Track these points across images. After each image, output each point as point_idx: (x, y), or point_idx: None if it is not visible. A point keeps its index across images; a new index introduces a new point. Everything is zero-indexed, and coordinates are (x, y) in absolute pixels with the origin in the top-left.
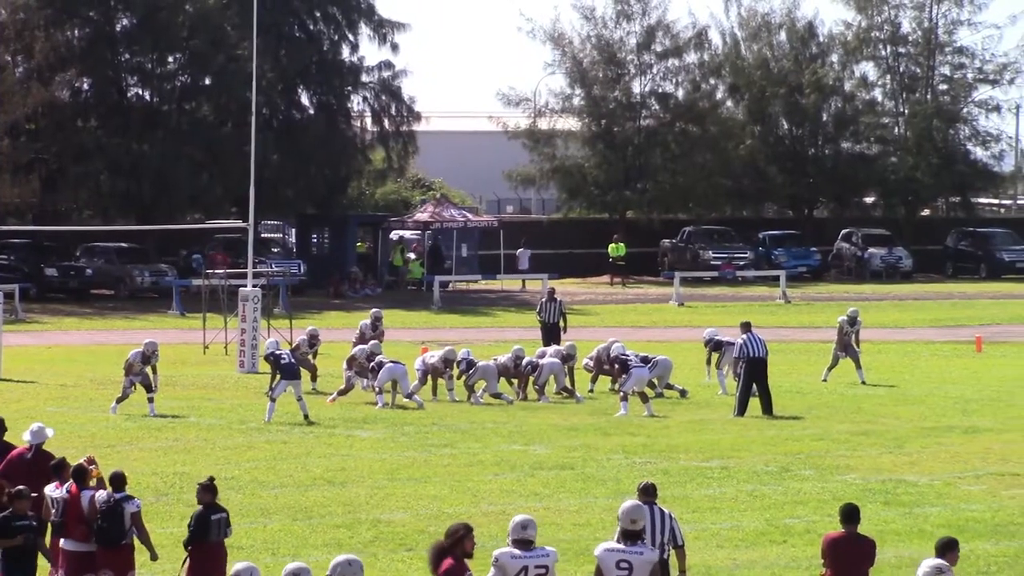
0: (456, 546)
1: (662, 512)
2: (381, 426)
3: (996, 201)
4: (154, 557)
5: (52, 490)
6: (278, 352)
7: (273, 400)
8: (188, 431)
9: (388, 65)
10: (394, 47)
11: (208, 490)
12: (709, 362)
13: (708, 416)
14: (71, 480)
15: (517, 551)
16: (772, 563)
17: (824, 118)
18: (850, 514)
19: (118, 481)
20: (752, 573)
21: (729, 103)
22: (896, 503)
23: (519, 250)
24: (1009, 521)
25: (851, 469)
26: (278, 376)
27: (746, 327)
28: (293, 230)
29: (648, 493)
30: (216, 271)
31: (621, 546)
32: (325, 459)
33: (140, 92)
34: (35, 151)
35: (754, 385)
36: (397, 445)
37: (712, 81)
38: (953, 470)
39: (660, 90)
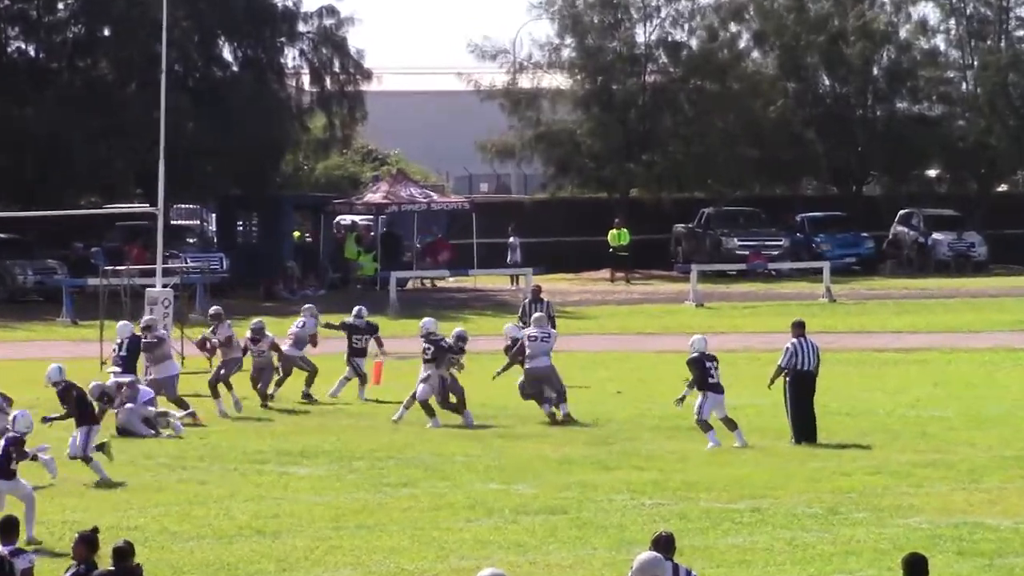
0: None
1: (680, 570)
2: (324, 460)
3: None
4: None
5: None
6: None
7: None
8: (81, 468)
9: (331, 11)
10: None
11: (87, 543)
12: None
13: (734, 444)
14: None
15: None
16: None
17: (874, 72)
18: (916, 567)
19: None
20: None
21: (756, 54)
22: (973, 552)
23: (511, 239)
24: None
25: (916, 510)
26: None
27: (799, 328)
28: (213, 216)
29: (664, 546)
30: (117, 268)
31: None
32: (253, 503)
33: (23, 46)
34: None
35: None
36: (344, 485)
37: (734, 27)
38: None
39: (670, 39)
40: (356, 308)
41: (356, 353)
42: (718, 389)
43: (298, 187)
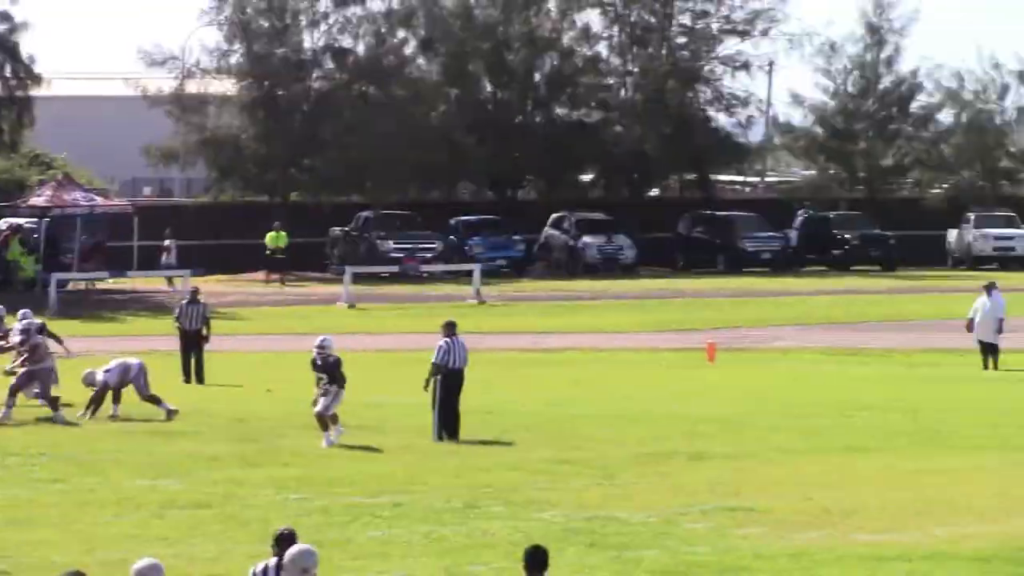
0: None
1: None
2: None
3: (740, 178)
4: None
5: None
6: None
7: None
8: None
9: (4, 17)
10: None
11: None
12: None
13: (379, 442)
14: None
15: None
16: None
17: (536, 79)
18: (536, 558)
19: None
20: None
21: (421, 60)
22: (604, 545)
23: (166, 241)
24: (739, 565)
25: (551, 504)
26: None
27: (449, 328)
28: None
29: (284, 542)
30: None
31: None
32: None
33: None
34: None
35: None
36: None
37: (402, 33)
38: (675, 505)
39: (337, 44)
40: (21, 312)
41: None
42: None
43: None
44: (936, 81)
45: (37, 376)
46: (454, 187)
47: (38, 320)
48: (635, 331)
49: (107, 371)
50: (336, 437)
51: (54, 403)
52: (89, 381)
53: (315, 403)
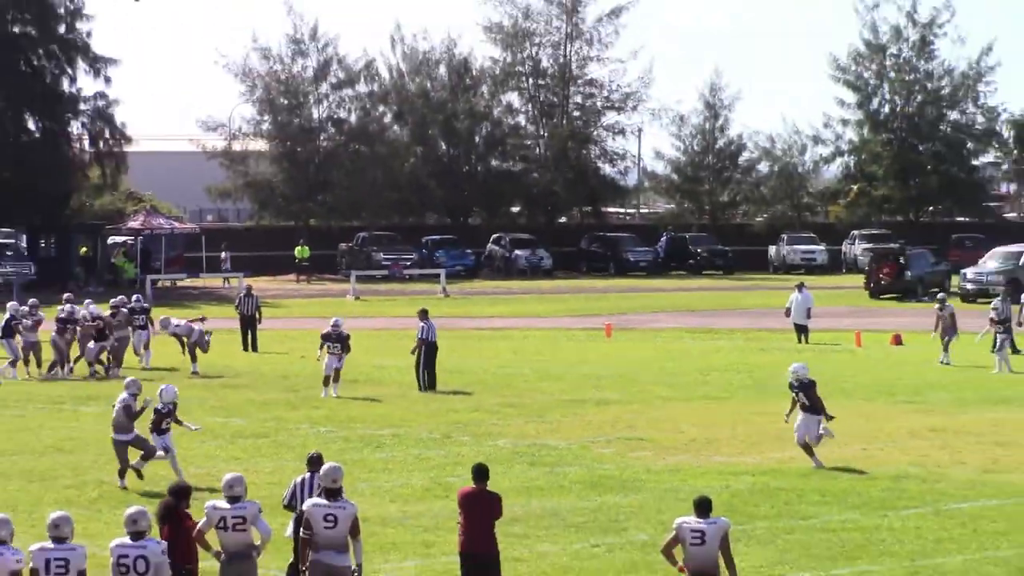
0: (182, 501)
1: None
2: (103, 403)
3: (622, 210)
4: None
5: None
6: None
7: None
8: None
9: (102, 95)
10: (107, 80)
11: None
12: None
13: (380, 392)
14: None
15: (219, 503)
16: (436, 514)
17: (476, 140)
18: (479, 472)
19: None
20: (420, 523)
21: (396, 127)
22: (540, 463)
23: (223, 253)
24: (635, 478)
25: (502, 435)
26: None
27: (424, 314)
28: (24, 236)
29: (315, 461)
30: None
31: (326, 502)
32: (54, 431)
33: None
34: None
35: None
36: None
37: (381, 108)
38: (588, 435)
39: (336, 116)
40: (135, 295)
41: (139, 327)
42: None
43: (82, 217)
44: (755, 143)
45: (120, 343)
46: (423, 215)
47: (146, 304)
48: (554, 316)
49: (177, 325)
50: (335, 392)
51: (103, 364)
52: (164, 324)
53: (325, 365)
